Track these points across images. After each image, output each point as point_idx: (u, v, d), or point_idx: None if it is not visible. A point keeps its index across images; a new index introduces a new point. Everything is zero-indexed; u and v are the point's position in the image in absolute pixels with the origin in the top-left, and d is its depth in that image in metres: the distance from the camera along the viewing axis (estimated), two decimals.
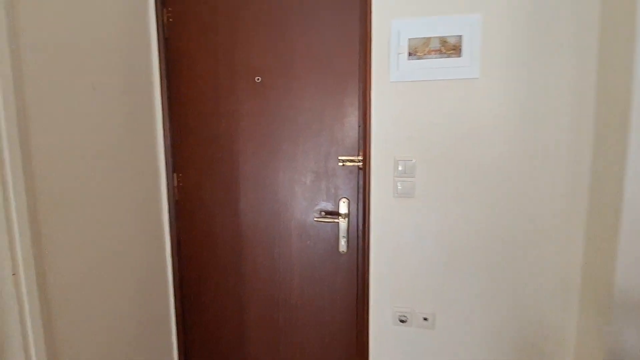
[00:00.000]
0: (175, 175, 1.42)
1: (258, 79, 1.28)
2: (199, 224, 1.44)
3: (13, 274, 0.80)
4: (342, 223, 1.25)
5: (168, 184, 1.42)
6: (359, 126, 1.23)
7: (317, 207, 1.31)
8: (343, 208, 1.27)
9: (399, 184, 1.17)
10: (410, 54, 1.12)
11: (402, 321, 1.24)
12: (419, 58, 1.12)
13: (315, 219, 1.29)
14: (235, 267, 1.42)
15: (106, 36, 1.08)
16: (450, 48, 1.11)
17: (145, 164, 1.32)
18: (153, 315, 1.36)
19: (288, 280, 1.37)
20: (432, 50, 1.12)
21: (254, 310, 1.43)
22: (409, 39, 1.11)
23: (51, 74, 0.89)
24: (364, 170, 1.22)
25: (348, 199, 1.27)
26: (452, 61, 1.11)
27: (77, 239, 0.99)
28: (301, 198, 1.32)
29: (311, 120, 1.27)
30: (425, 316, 1.21)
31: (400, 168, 1.17)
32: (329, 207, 1.30)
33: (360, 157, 1.24)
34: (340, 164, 1.26)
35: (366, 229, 1.23)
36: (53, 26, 0.90)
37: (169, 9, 1.30)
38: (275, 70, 1.26)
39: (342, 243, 1.26)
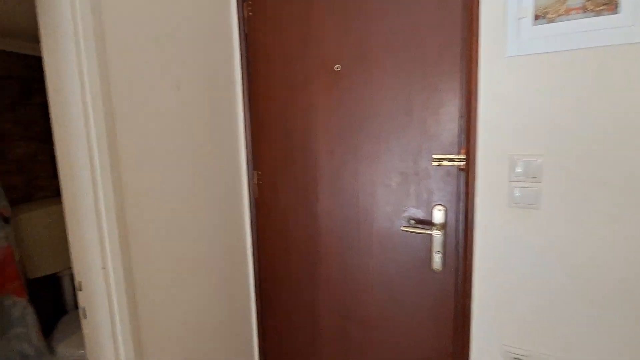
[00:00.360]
0: (255, 172, 1.40)
1: (337, 68, 1.15)
2: (274, 224, 1.38)
3: (102, 268, 0.84)
4: (437, 235, 1.03)
5: (249, 182, 1.41)
6: (461, 117, 1.00)
7: (405, 215, 1.12)
8: (438, 217, 1.05)
9: (516, 190, 0.90)
10: (537, 17, 0.84)
11: None
12: (550, 21, 0.84)
13: (403, 228, 1.10)
14: (309, 274, 1.32)
15: (190, 33, 1.09)
16: (601, 3, 0.80)
17: (227, 160, 1.32)
18: (234, 315, 1.36)
19: (365, 296, 1.21)
20: (572, 9, 0.82)
21: (326, 322, 1.31)
22: None
23: (136, 73, 0.92)
24: (467, 172, 0.98)
25: (445, 207, 1.05)
26: (602, 21, 0.80)
27: (161, 235, 1.01)
28: (385, 203, 1.14)
29: (396, 112, 1.08)
30: None
31: (518, 169, 0.90)
32: (420, 214, 1.09)
33: (462, 156, 1.00)
34: (435, 163, 1.04)
35: (468, 244, 0.99)
36: (137, 25, 0.92)
37: (249, 2, 1.27)
38: (353, 57, 1.11)
39: (437, 259, 1.04)
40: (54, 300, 1.83)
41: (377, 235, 1.17)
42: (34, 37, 1.61)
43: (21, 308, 1.47)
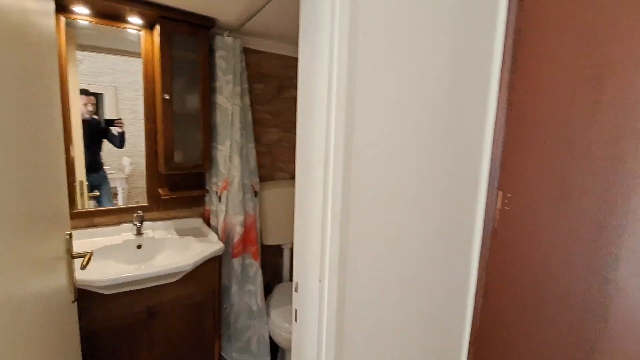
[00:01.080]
0: (500, 193, 1.03)
1: None
2: (521, 273, 0.98)
3: (319, 280, 0.75)
4: None
5: (487, 205, 1.06)
6: None
7: None
8: None
9: None
10: None
11: None
12: None
13: None
14: None
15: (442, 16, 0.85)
16: None
17: (462, 172, 1.02)
18: (442, 352, 1.09)
19: None
20: None
21: None
22: None
23: (379, 60, 0.75)
24: None
25: None
26: None
27: (377, 250, 0.85)
28: None
29: None
30: None
31: None
32: None
33: None
34: None
35: None
36: (389, 26, 0.75)
37: None
38: None
39: None
40: (275, 267, 2.13)
41: None
42: (291, 40, 1.83)
43: (255, 269, 1.74)
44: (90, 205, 1.59)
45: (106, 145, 1.60)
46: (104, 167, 1.62)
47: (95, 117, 1.56)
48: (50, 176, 0.89)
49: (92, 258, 1.38)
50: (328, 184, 0.71)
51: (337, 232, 0.73)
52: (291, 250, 2.11)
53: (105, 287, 1.24)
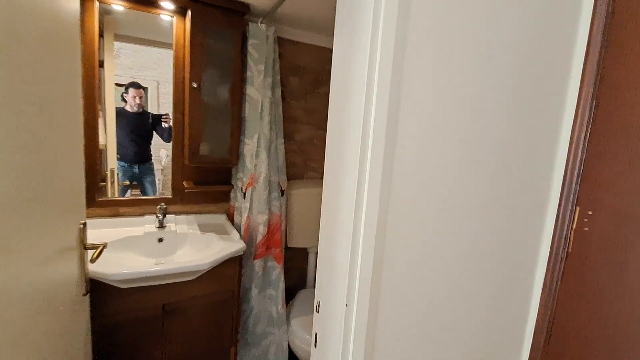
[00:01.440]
0: (577, 210, 0.83)
1: None
2: (596, 312, 0.77)
3: (346, 305, 0.61)
4: None
5: (557, 224, 0.86)
6: None
7: None
8: None
9: None
10: None
11: None
12: None
13: None
14: None
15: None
16: None
17: (527, 184, 0.83)
18: None
19: None
20: None
21: None
22: None
23: (431, 48, 0.60)
24: None
25: None
26: None
27: (418, 273, 0.69)
28: None
29: None
30: None
31: None
32: None
33: None
34: None
35: None
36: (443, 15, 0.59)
37: None
38: None
39: None
40: (300, 271, 2.01)
41: None
42: (329, 30, 1.70)
43: (277, 273, 1.63)
44: (127, 195, 1.58)
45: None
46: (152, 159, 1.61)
47: (148, 110, 1.56)
48: (65, 163, 0.82)
49: (110, 248, 1.35)
50: (363, 190, 0.57)
51: (371, 248, 0.58)
52: (317, 255, 1.98)
53: (121, 282, 1.18)
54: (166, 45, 1.50)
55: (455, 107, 0.66)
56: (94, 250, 1.01)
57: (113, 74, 1.54)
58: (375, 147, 0.55)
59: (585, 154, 0.81)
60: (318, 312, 0.71)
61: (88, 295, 1.05)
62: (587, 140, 0.81)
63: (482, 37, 0.67)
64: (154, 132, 1.58)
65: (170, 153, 1.61)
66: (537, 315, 0.91)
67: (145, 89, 1.56)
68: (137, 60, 1.54)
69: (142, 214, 1.57)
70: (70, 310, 0.91)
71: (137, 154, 1.58)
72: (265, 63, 1.49)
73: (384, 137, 0.56)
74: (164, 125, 1.57)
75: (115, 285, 1.19)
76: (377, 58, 0.54)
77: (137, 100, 1.52)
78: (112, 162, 1.60)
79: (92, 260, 0.95)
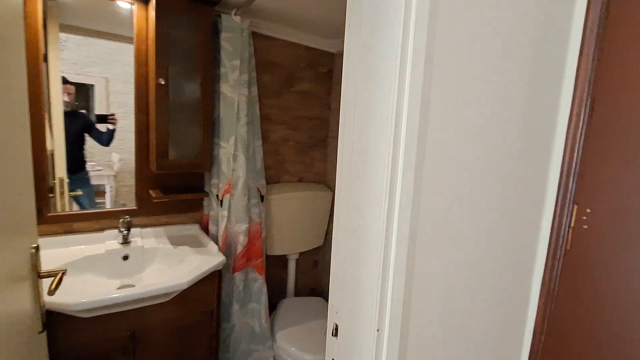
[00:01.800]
0: (575, 208, 0.85)
1: None
2: (595, 306, 0.79)
3: (377, 330, 0.54)
4: None
5: (554, 222, 0.87)
6: None
7: None
8: None
9: None
10: None
11: None
12: None
13: None
14: None
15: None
16: None
17: (523, 183, 0.83)
18: None
19: None
20: None
21: None
22: None
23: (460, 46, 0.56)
24: None
25: None
26: None
27: (441, 282, 0.65)
28: None
29: None
30: None
31: None
32: None
33: None
34: None
35: None
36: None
37: None
38: None
39: None
40: (279, 280, 1.91)
41: None
42: (305, 26, 1.61)
43: (259, 284, 1.53)
44: (70, 208, 1.36)
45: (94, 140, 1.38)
46: (87, 167, 1.39)
47: (83, 110, 1.33)
48: (9, 173, 0.67)
49: (68, 272, 1.15)
50: (394, 201, 0.51)
51: (403, 265, 0.52)
52: (297, 261, 1.90)
53: (84, 311, 1.01)
54: (122, 38, 1.32)
55: (475, 106, 0.63)
56: (52, 278, 0.85)
57: (59, 68, 1.34)
58: (407, 153, 0.50)
59: (582, 151, 0.82)
60: (336, 337, 0.63)
61: (45, 333, 0.88)
62: (584, 138, 0.82)
63: (499, 35, 0.64)
64: (88, 136, 1.34)
65: (123, 157, 1.43)
66: (537, 312, 0.91)
67: (89, 86, 1.36)
68: (82, 54, 1.35)
69: (102, 229, 1.38)
70: (22, 353, 0.75)
71: (70, 161, 1.31)
72: (240, 58, 1.38)
73: (416, 140, 0.50)
74: (109, 127, 1.35)
75: (77, 315, 1.01)
76: (409, 55, 0.48)
77: (66, 98, 1.29)
78: (61, 169, 1.38)
79: (51, 292, 0.79)
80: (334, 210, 0.65)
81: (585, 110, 0.82)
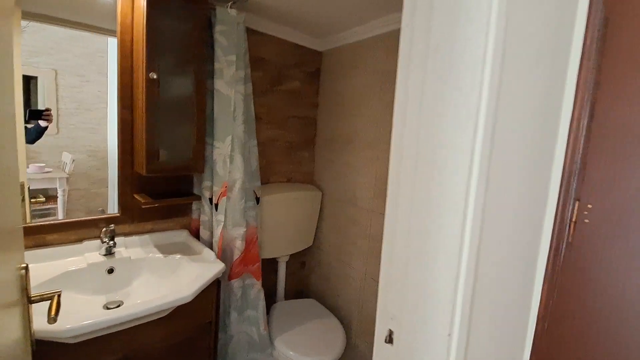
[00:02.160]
0: (577, 204, 0.91)
1: None
2: (594, 297, 0.87)
3: (448, 335, 0.54)
4: None
5: (557, 216, 0.93)
6: None
7: None
8: None
9: None
10: None
11: None
12: None
13: None
14: None
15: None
16: None
17: (532, 181, 0.88)
18: None
19: None
20: None
21: None
22: None
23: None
24: None
25: None
26: None
27: (490, 283, 0.66)
28: None
29: None
30: None
31: None
32: None
33: None
34: None
35: None
36: None
37: None
38: None
39: None
40: (268, 283, 1.85)
41: None
42: (297, 23, 1.55)
43: (256, 291, 1.46)
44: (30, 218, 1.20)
45: (44, 138, 1.19)
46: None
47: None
48: None
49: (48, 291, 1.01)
50: (469, 205, 0.51)
51: (472, 266, 0.52)
52: (287, 264, 1.85)
53: (71, 338, 0.89)
54: (102, 30, 1.18)
55: (517, 108, 0.65)
56: (46, 302, 0.73)
57: (19, 60, 1.18)
58: (482, 157, 0.50)
59: (584, 147, 0.89)
60: (391, 344, 0.62)
61: None
62: (586, 133, 0.89)
63: (534, 37, 0.66)
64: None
65: (75, 157, 1.27)
66: (539, 303, 0.97)
67: (33, 79, 1.19)
68: (26, 43, 1.18)
69: (80, 240, 1.23)
70: None
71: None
72: (236, 53, 1.30)
73: (489, 145, 0.51)
74: (41, 123, 1.18)
75: (65, 342, 0.89)
76: (488, 64, 0.48)
77: None
78: (22, 172, 1.21)
79: (52, 320, 0.68)
80: (385, 214, 0.64)
81: (590, 98, 0.88)
